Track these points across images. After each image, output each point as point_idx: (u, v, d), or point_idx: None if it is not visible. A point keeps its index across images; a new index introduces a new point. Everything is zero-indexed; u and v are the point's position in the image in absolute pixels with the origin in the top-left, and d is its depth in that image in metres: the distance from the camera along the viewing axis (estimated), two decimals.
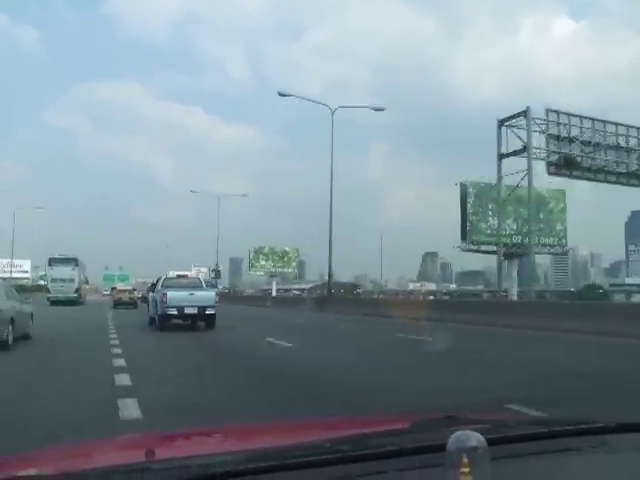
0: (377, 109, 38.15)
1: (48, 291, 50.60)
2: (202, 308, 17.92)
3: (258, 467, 1.26)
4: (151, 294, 21.28)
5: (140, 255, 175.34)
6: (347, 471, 1.29)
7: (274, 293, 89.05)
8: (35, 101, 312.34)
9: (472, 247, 42.57)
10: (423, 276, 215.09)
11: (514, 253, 42.28)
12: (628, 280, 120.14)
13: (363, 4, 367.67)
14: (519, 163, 36.05)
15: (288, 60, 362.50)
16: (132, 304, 40.76)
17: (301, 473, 1.28)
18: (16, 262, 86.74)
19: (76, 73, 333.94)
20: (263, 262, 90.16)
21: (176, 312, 17.72)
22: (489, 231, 41.86)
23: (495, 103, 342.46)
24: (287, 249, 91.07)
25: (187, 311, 17.78)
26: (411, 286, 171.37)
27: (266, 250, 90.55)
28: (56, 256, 52.68)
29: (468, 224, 41.53)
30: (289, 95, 36.64)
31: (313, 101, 38.30)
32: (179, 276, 21.89)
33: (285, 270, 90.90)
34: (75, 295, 48.17)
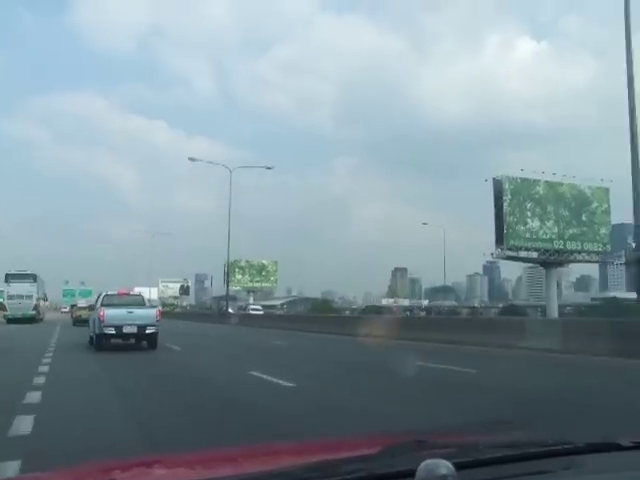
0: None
1: (4, 309, 48.10)
2: (142, 327, 16.96)
3: None
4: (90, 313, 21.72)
5: (103, 270, 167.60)
6: None
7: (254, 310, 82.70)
8: None
9: (510, 254, 36.45)
10: (392, 292, 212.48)
11: (553, 261, 36.48)
12: None
13: (329, 22, 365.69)
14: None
15: (254, 75, 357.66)
16: None
17: None
18: None
19: (37, 83, 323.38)
20: (240, 276, 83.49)
21: (114, 331, 16.82)
22: (528, 235, 35.99)
23: (460, 119, 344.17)
24: (265, 262, 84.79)
25: (126, 330, 16.87)
26: (384, 302, 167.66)
27: (242, 263, 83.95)
28: (13, 272, 51.01)
29: (505, 226, 35.60)
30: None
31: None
32: (120, 294, 20.25)
33: (264, 285, 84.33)
34: (33, 312, 47.36)
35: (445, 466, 1.17)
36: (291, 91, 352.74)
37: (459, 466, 1.22)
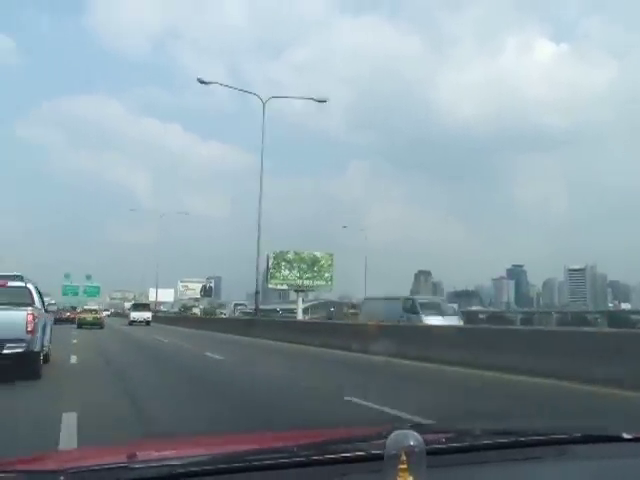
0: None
1: None
2: None
3: (225, 467, 1.41)
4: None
5: (114, 271, 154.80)
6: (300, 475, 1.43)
7: (300, 314, 66.29)
8: (8, 114, 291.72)
9: None
10: (415, 295, 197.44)
11: None
12: None
13: (346, 24, 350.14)
14: None
15: (268, 78, 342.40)
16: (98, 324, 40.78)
17: (265, 474, 1.41)
18: None
19: (52, 86, 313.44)
20: (286, 272, 67.12)
21: None
22: None
23: (476, 123, 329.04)
24: (318, 255, 68.26)
25: None
26: None
27: (290, 256, 67.57)
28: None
29: None
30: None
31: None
32: None
33: (316, 283, 67.83)
34: None
35: (414, 437, 1.23)
36: (305, 94, 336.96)
37: (449, 450, 1.48)
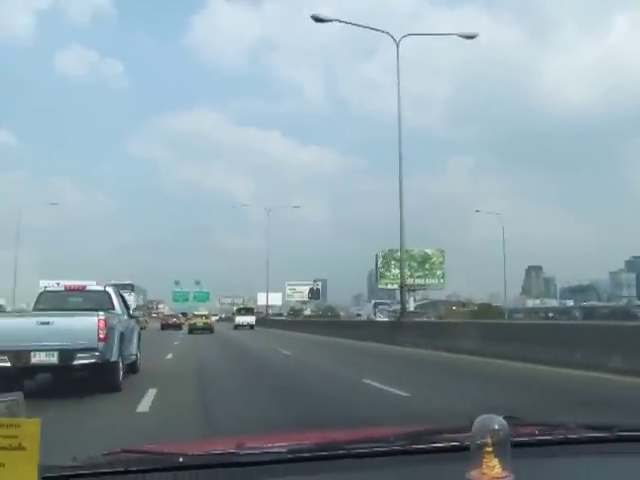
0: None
1: None
2: (65, 353, 8.93)
3: (329, 454, 1.49)
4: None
5: (222, 278, 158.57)
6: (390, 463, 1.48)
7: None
8: (119, 133, 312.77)
9: None
10: (526, 291, 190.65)
11: None
12: None
13: (441, 15, 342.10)
14: None
15: (363, 78, 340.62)
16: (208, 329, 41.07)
17: (365, 461, 1.47)
18: (82, 284, 68.74)
19: (157, 104, 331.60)
20: (396, 270, 64.44)
21: (7, 362, 8.66)
22: None
23: (585, 108, 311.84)
24: (429, 252, 65.31)
25: (33, 360, 8.82)
26: (530, 303, 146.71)
27: (399, 254, 64.84)
28: (112, 282, 51.26)
29: None
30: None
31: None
32: (69, 289, 12.23)
33: (428, 281, 64.82)
34: None
35: (499, 422, 1.26)
36: (401, 92, 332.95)
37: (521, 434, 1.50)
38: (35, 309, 11.37)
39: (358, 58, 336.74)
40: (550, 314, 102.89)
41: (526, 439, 1.54)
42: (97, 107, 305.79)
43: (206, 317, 44.88)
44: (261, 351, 21.05)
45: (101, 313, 9.50)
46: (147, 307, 65.11)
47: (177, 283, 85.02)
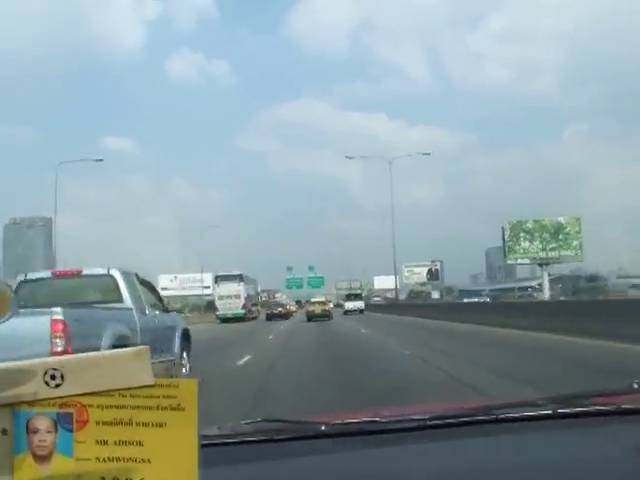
0: None
1: (216, 309, 51.26)
2: None
3: (471, 420, 1.45)
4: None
5: (340, 262, 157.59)
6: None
7: (546, 293, 57.08)
8: (230, 130, 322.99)
9: None
10: None
11: None
12: None
13: None
14: None
15: (467, 52, 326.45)
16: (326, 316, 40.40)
17: (512, 426, 1.43)
18: (198, 277, 76.60)
19: (263, 98, 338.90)
20: (526, 244, 58.60)
21: None
22: None
23: None
24: (562, 220, 58.73)
25: None
26: None
27: (529, 225, 58.87)
28: (221, 273, 53.82)
29: None
30: None
31: None
32: (61, 275, 8.76)
33: (562, 253, 58.36)
34: (242, 311, 48.62)
35: None
36: (509, 62, 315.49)
37: None
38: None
39: (461, 29, 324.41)
40: None
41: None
42: (208, 107, 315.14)
43: (324, 304, 44.30)
44: (382, 352, 14.53)
45: (57, 310, 6.16)
46: (259, 297, 63.70)
47: (290, 269, 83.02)
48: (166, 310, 9.43)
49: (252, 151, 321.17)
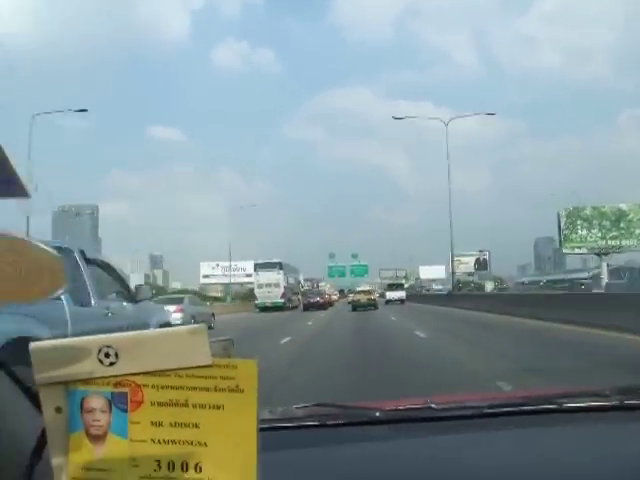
0: None
1: (255, 298, 50.63)
2: None
3: (530, 409, 1.42)
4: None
5: (385, 251, 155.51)
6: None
7: (605, 281, 53.62)
8: (276, 118, 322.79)
9: None
10: None
11: None
12: None
13: None
14: None
15: (517, 36, 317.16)
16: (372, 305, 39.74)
17: (574, 416, 1.39)
18: (240, 265, 77.03)
19: (308, 86, 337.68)
20: (584, 232, 55.04)
21: None
22: None
23: None
24: (624, 207, 54.94)
25: None
26: None
27: (587, 212, 55.26)
28: (261, 262, 52.68)
29: None
30: None
31: None
32: None
33: (624, 242, 54.64)
34: (282, 300, 47.80)
35: None
36: (560, 45, 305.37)
37: None
38: None
39: (510, 11, 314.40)
40: None
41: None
42: (253, 96, 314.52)
43: (369, 293, 43.25)
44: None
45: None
46: (301, 286, 62.27)
47: (332, 256, 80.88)
48: (133, 299, 7.54)
49: (297, 139, 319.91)
